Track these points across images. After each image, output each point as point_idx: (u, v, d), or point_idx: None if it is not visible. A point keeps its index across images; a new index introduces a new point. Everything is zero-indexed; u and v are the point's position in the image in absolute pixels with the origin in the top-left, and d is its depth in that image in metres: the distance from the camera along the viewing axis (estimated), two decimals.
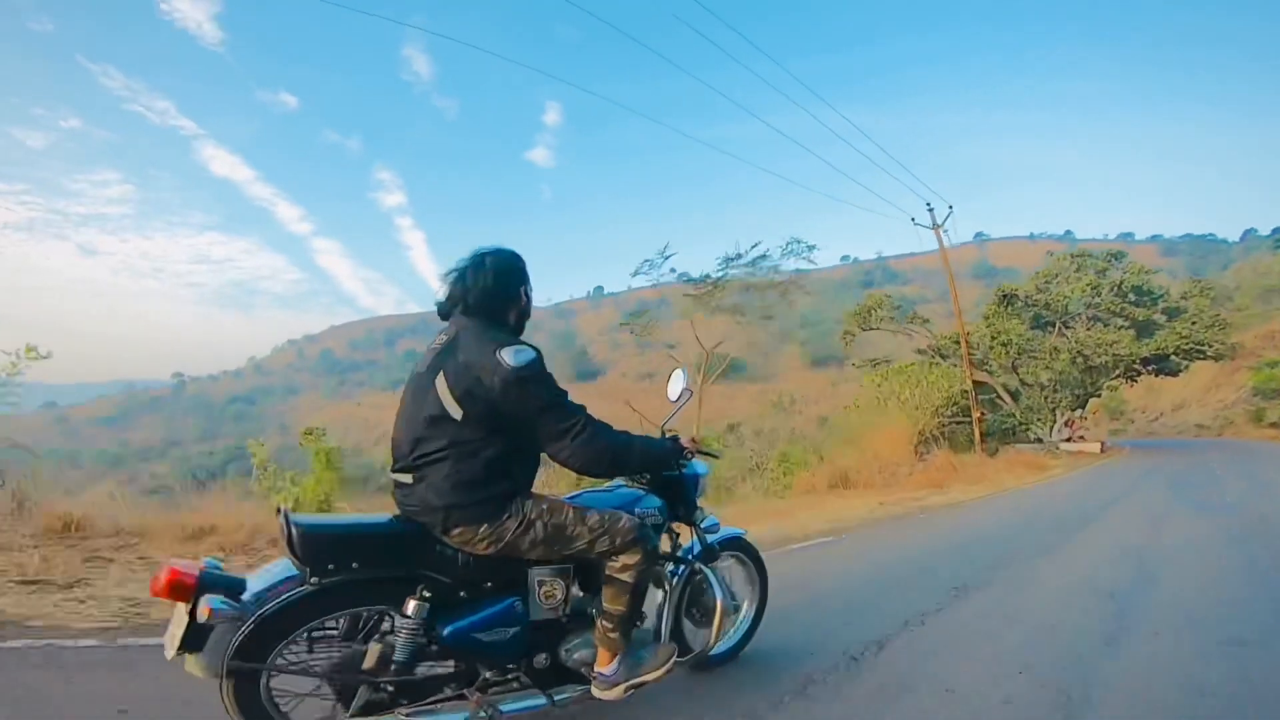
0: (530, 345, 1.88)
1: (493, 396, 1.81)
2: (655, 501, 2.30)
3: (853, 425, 16.01)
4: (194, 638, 1.61)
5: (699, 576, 2.44)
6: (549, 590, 2.00)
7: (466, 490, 1.83)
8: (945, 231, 19.41)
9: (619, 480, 2.43)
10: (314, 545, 1.73)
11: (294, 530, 1.70)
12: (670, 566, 2.42)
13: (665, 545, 2.43)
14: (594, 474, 1.96)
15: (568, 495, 2.20)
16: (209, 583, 1.64)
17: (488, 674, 1.91)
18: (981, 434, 18.81)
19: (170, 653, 1.61)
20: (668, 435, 2.35)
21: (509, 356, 1.80)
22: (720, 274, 17.11)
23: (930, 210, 20.08)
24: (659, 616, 2.33)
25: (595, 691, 1.99)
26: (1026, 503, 9.72)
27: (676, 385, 2.51)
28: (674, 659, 2.08)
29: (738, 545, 2.76)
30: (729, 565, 2.75)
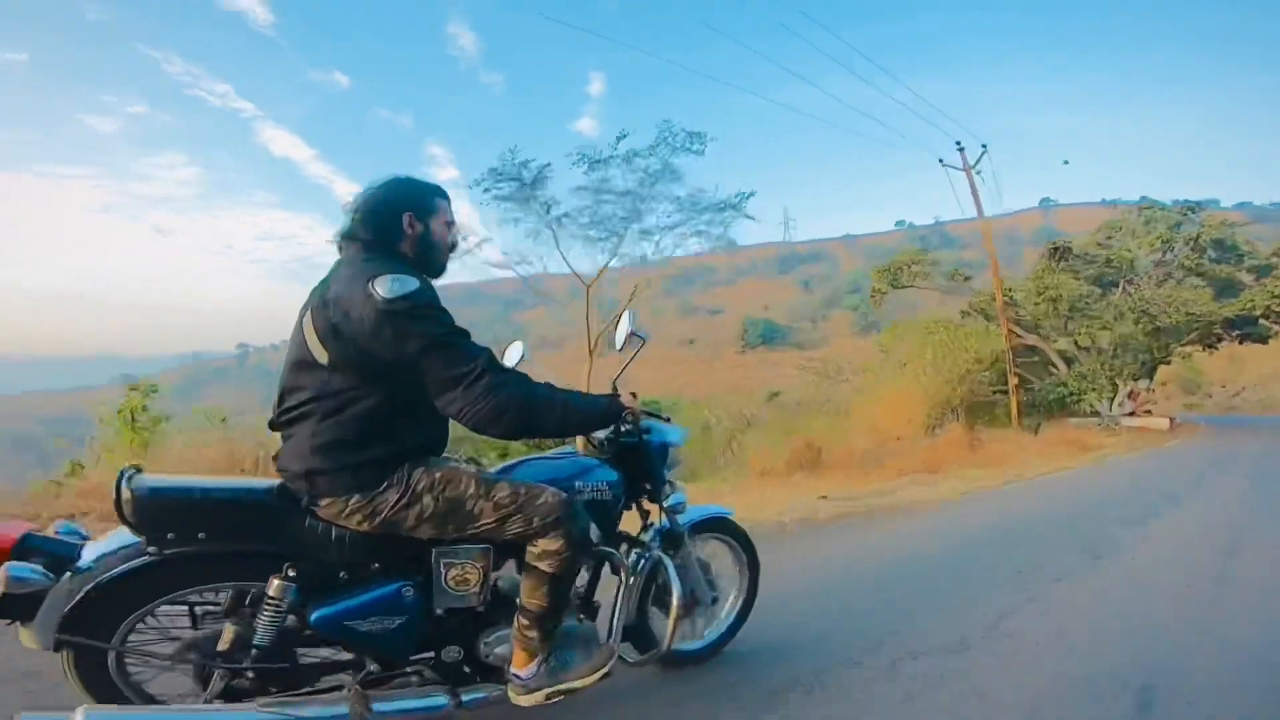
0: (416, 275, 1.56)
1: (362, 336, 1.50)
2: (608, 474, 1.96)
3: (845, 395, 14.06)
4: (19, 607, 1.42)
5: (678, 558, 2.13)
6: (459, 574, 1.69)
7: (333, 453, 1.54)
8: (979, 173, 16.69)
9: (570, 447, 2.12)
10: (150, 511, 1.48)
11: (126, 492, 1.47)
12: (635, 552, 2.10)
13: (635, 528, 2.12)
14: (496, 434, 1.60)
15: (503, 464, 1.92)
16: (32, 547, 1.45)
17: (372, 666, 1.65)
18: (1020, 405, 15.73)
19: None
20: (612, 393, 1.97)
21: (380, 286, 1.48)
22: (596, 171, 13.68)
23: (961, 150, 16.55)
24: (612, 609, 2.00)
25: (511, 695, 1.70)
26: (1030, 505, 6.46)
27: (624, 330, 2.12)
28: (609, 665, 1.76)
29: (720, 527, 2.41)
30: (711, 550, 2.42)
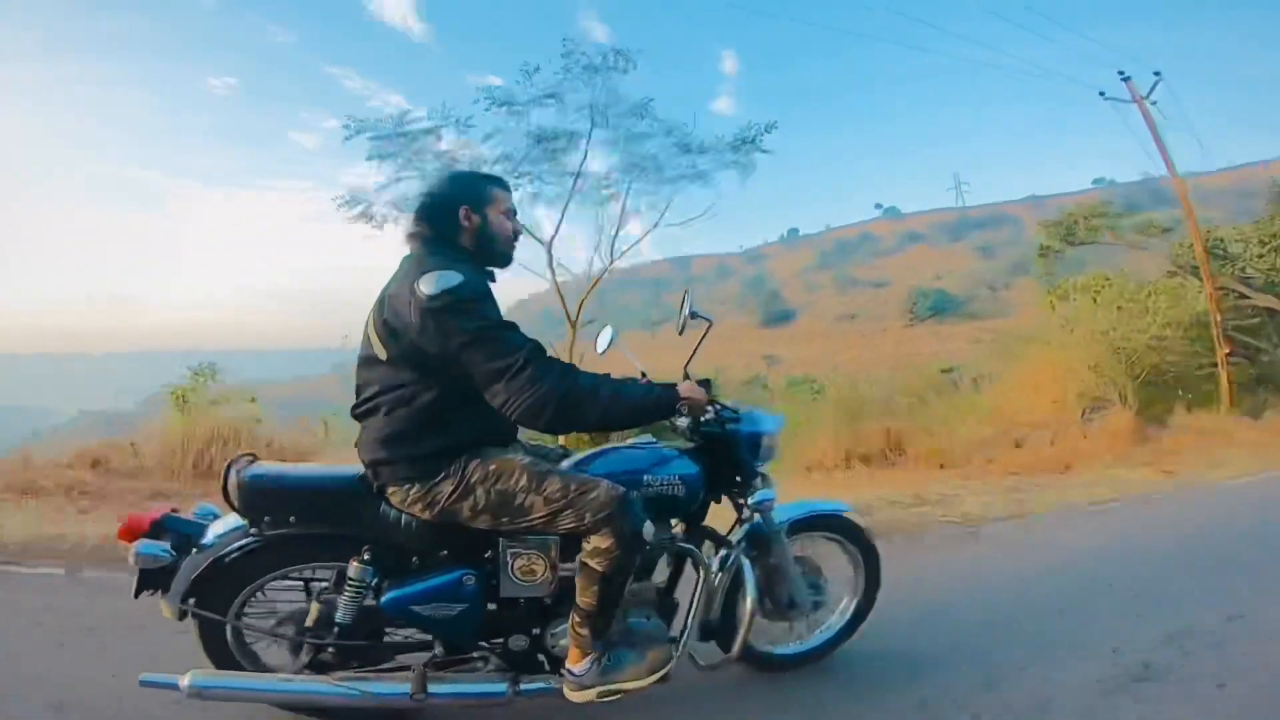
0: (465, 269, 1.57)
1: (412, 333, 1.55)
2: (686, 467, 1.85)
3: (978, 366, 11.36)
4: (158, 579, 1.64)
5: (772, 559, 2.00)
6: (525, 565, 1.69)
7: (395, 444, 1.61)
8: (1153, 104, 12.81)
9: (649, 435, 2.03)
10: (249, 496, 1.65)
11: (232, 479, 1.65)
12: (722, 551, 1.99)
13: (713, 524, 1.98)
14: (539, 427, 1.59)
15: (586, 453, 1.88)
16: (166, 527, 1.66)
17: (438, 650, 1.72)
18: (1231, 381, 11.15)
19: (133, 593, 1.66)
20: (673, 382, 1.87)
21: (424, 284, 1.51)
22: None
23: (1126, 79, 12.54)
24: (688, 608, 1.90)
25: (565, 690, 1.69)
26: (1177, 529, 4.16)
27: (684, 313, 2.01)
28: (665, 669, 1.71)
29: (830, 525, 2.21)
30: (824, 549, 2.23)
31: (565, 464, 1.81)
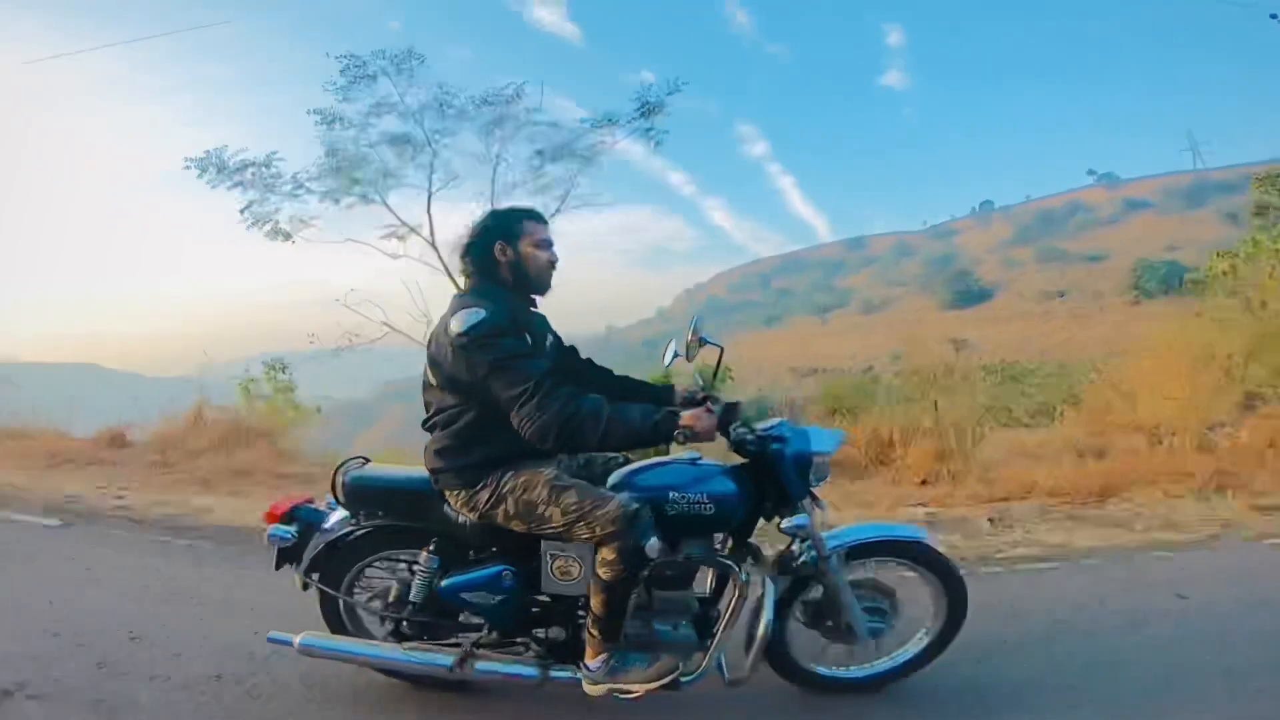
0: (490, 306, 1.77)
1: (448, 364, 1.80)
2: (723, 486, 1.89)
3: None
4: (293, 557, 2.05)
5: (820, 583, 2.01)
6: (563, 566, 1.88)
7: (446, 456, 1.87)
8: None
9: (694, 452, 2.05)
10: (349, 494, 2.01)
11: (340, 479, 2.01)
12: (748, 569, 1.97)
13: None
14: (546, 448, 1.74)
15: (638, 464, 1.99)
16: (296, 514, 2.06)
17: (481, 634, 1.97)
18: None
19: (274, 566, 2.07)
20: (678, 399, 1.99)
21: (455, 323, 1.75)
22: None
23: None
24: (721, 623, 1.92)
25: (583, 682, 1.85)
26: None
27: (685, 340, 2.10)
28: (667, 678, 1.80)
29: (904, 551, 2.11)
30: (899, 575, 2.15)
31: (617, 474, 1.94)
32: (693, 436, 1.74)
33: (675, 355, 2.19)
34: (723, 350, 2.07)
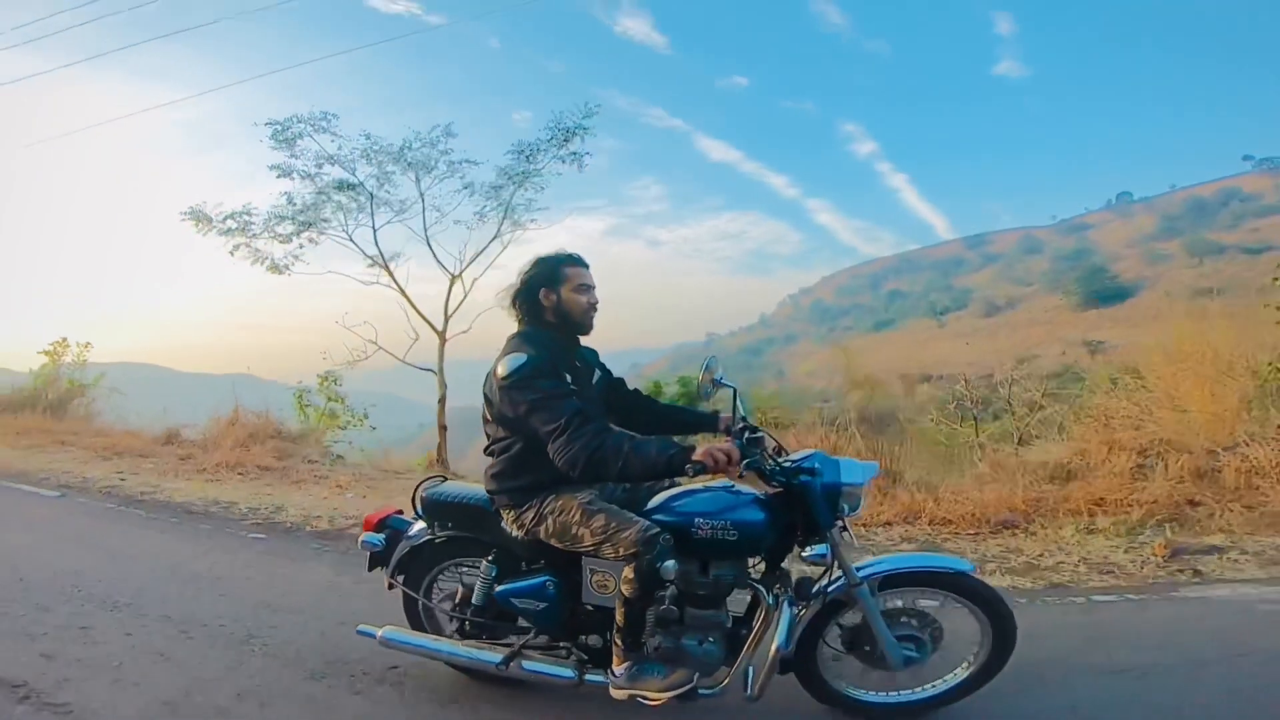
0: (533, 350, 2.00)
1: (496, 402, 2.06)
2: (751, 514, 2.00)
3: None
4: (383, 559, 2.40)
5: (848, 609, 2.09)
6: (600, 580, 2.08)
7: (499, 480, 2.13)
8: None
9: (728, 480, 2.13)
10: (425, 508, 2.33)
11: (418, 493, 2.34)
12: (773, 593, 2.05)
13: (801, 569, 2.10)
14: (574, 478, 1.93)
15: (676, 489, 2.14)
16: (386, 524, 2.42)
17: (528, 636, 2.20)
18: None
19: (367, 568, 2.45)
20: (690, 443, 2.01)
21: (501, 366, 2.00)
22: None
23: None
24: (746, 642, 2.04)
25: (610, 687, 2.03)
26: None
27: (706, 383, 2.22)
28: (681, 689, 1.95)
29: (942, 582, 2.11)
30: (943, 607, 2.14)
31: (659, 497, 2.11)
32: (702, 470, 1.85)
33: (718, 383, 2.26)
34: (736, 390, 2.18)
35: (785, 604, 2.01)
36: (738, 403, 2.18)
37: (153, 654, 2.70)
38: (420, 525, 2.38)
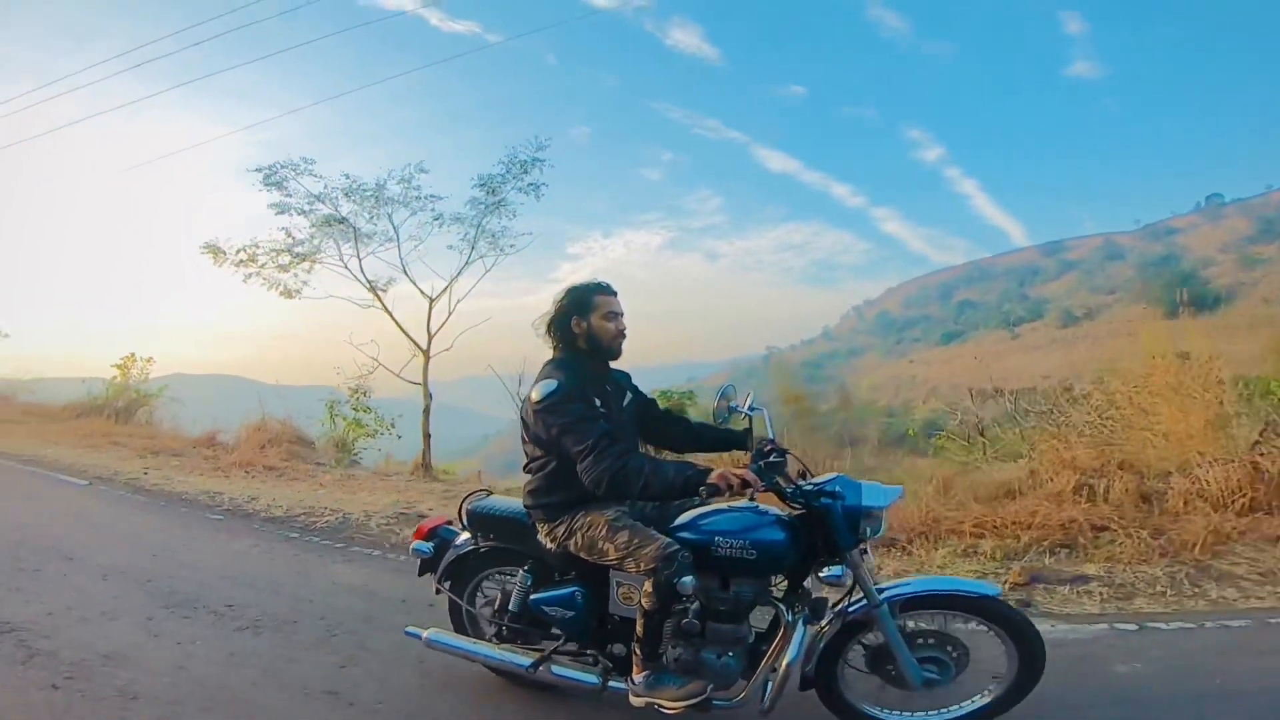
0: (559, 377, 2.15)
1: (532, 424, 2.23)
2: (772, 534, 2.08)
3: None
4: (431, 566, 2.61)
5: (871, 628, 2.13)
6: (625, 592, 2.21)
7: (534, 495, 2.30)
8: None
9: (754, 500, 2.22)
10: (469, 520, 2.51)
11: (465, 506, 2.53)
12: (792, 611, 2.12)
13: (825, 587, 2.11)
14: (599, 496, 2.08)
15: (704, 508, 2.22)
16: (436, 533, 2.63)
17: (557, 643, 2.34)
18: None
19: (418, 574, 2.68)
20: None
21: (535, 391, 2.17)
22: None
23: None
24: (764, 656, 2.11)
25: (629, 694, 2.13)
26: None
27: (724, 410, 2.40)
28: (694, 700, 2.02)
29: (967, 606, 2.13)
30: (971, 630, 2.16)
31: (686, 515, 2.22)
32: (716, 492, 1.97)
33: (749, 400, 2.43)
34: (764, 412, 2.34)
35: (802, 622, 2.08)
36: (765, 425, 2.32)
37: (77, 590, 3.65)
38: (466, 536, 2.56)
